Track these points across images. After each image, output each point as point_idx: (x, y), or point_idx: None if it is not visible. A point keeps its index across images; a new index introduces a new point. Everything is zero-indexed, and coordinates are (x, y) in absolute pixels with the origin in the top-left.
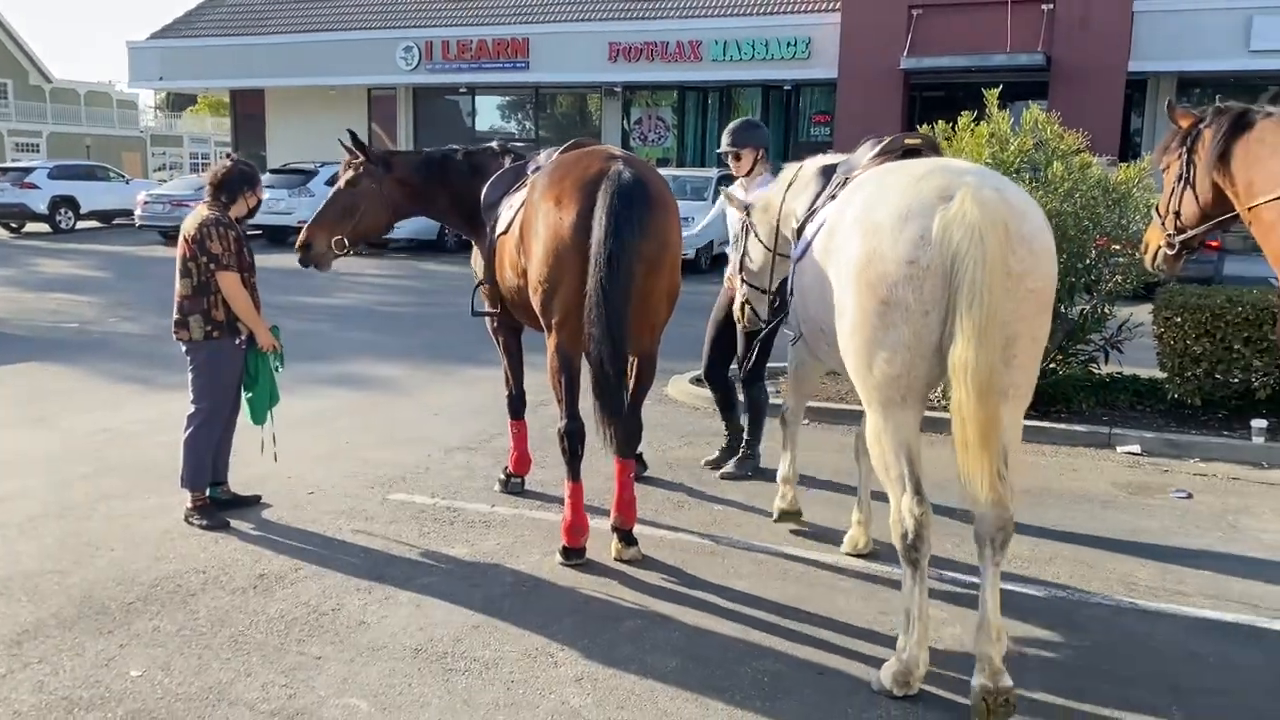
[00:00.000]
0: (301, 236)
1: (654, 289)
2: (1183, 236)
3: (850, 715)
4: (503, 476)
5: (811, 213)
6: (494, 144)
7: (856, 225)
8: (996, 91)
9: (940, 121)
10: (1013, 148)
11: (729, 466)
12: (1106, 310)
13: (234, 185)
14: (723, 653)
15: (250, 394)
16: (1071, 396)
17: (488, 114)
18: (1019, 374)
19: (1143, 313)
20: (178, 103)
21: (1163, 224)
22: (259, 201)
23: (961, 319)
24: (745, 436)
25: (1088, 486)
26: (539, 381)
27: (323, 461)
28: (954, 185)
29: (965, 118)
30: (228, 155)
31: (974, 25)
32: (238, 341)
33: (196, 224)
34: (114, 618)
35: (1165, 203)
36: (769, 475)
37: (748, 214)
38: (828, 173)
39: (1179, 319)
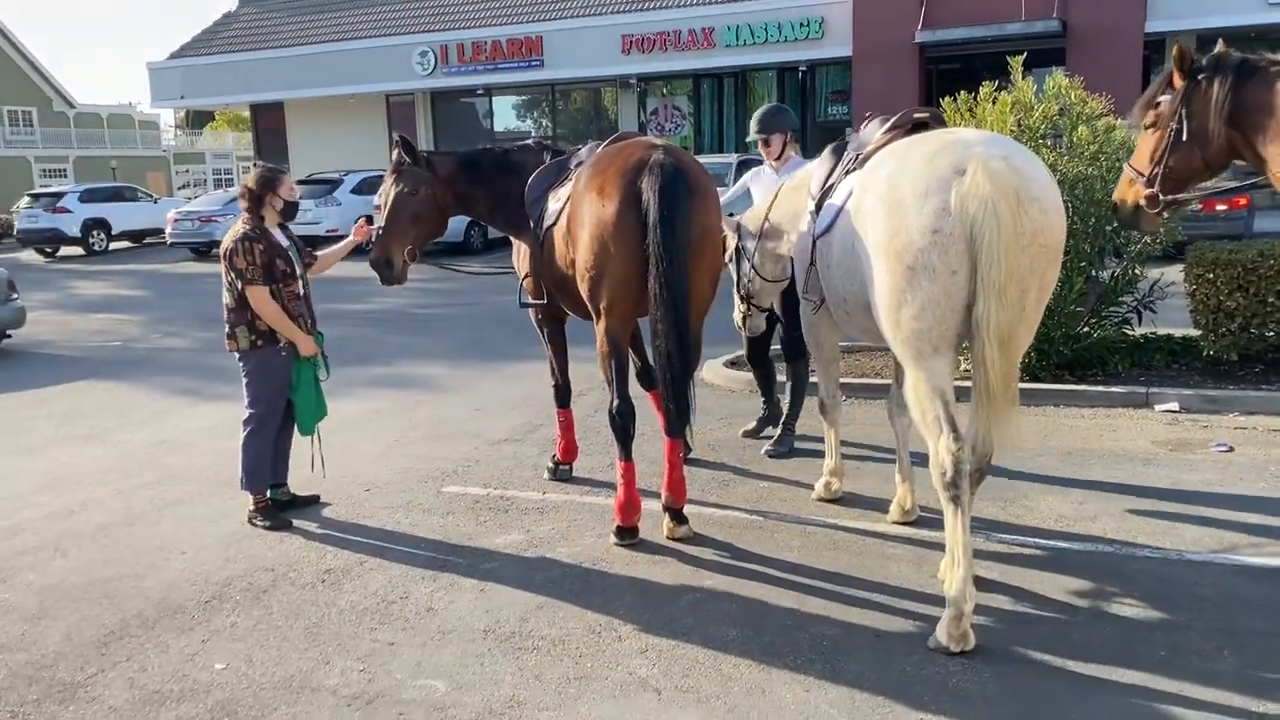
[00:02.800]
0: (377, 253)
1: (699, 273)
2: (1182, 195)
3: (909, 673)
4: (551, 465)
5: (828, 189)
6: (530, 141)
7: (881, 203)
8: (1021, 59)
9: (962, 92)
10: (1037, 114)
11: (770, 445)
12: (1137, 272)
13: (255, 194)
14: (781, 621)
15: (294, 403)
16: (1107, 359)
17: (505, 114)
18: (1024, 325)
19: (1173, 273)
20: (197, 120)
21: (1147, 180)
22: (286, 203)
23: (983, 280)
24: (786, 411)
25: (1128, 445)
26: (581, 372)
27: (376, 459)
28: (965, 159)
29: (988, 87)
30: (255, 163)
31: None
32: (280, 349)
33: (230, 240)
34: (192, 616)
35: (1152, 157)
36: (809, 451)
37: (739, 237)
38: (839, 150)
39: (1211, 275)
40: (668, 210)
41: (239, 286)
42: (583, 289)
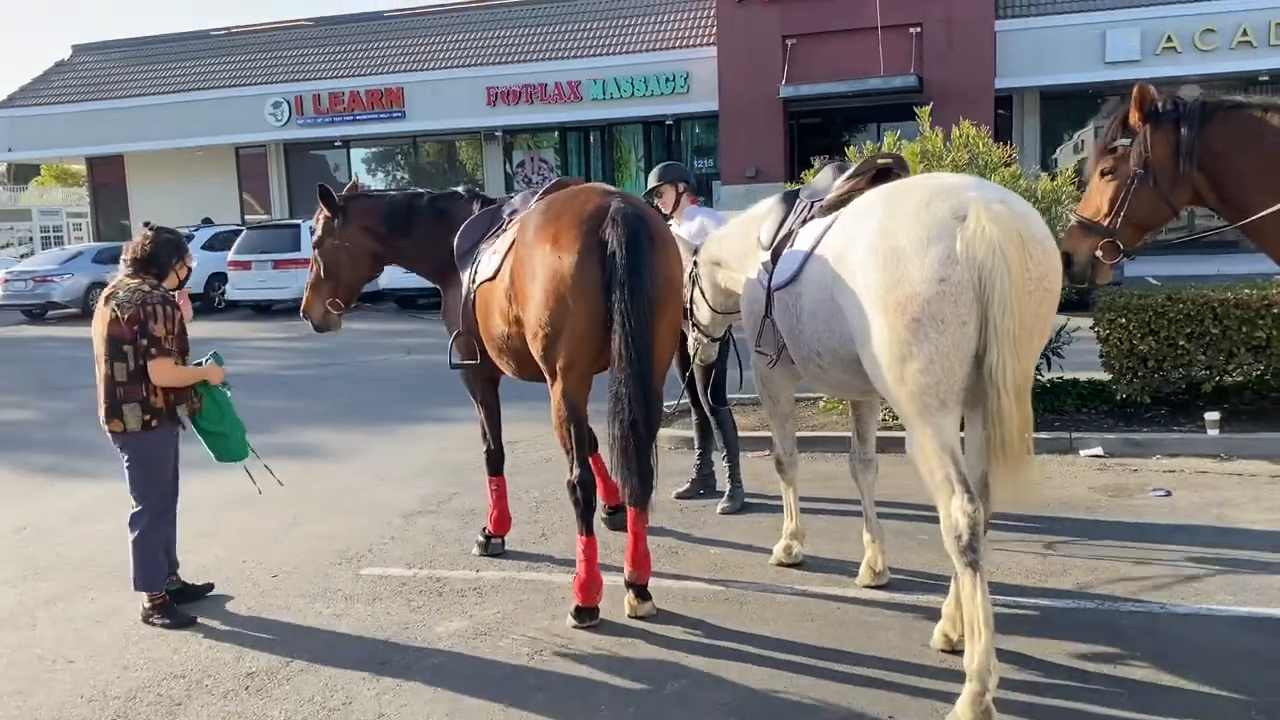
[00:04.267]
0: (303, 306)
1: (662, 328)
2: (1141, 244)
3: None
4: (481, 538)
5: (784, 237)
6: (461, 189)
7: (874, 254)
8: (928, 109)
9: (868, 143)
10: (947, 163)
11: (724, 503)
12: None
13: (163, 257)
14: (782, 708)
15: (225, 433)
16: None
17: (364, 166)
18: (1032, 371)
19: (1075, 320)
20: (20, 175)
21: (1105, 230)
22: (189, 271)
23: (995, 328)
24: (728, 465)
25: (1067, 493)
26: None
27: (278, 539)
28: (963, 204)
29: (891, 136)
30: (145, 224)
31: (847, 51)
32: (177, 429)
33: (137, 302)
34: None
35: (1111, 204)
36: (750, 508)
37: (694, 262)
38: (790, 198)
39: (1123, 320)
40: (634, 262)
41: (144, 357)
42: (535, 348)
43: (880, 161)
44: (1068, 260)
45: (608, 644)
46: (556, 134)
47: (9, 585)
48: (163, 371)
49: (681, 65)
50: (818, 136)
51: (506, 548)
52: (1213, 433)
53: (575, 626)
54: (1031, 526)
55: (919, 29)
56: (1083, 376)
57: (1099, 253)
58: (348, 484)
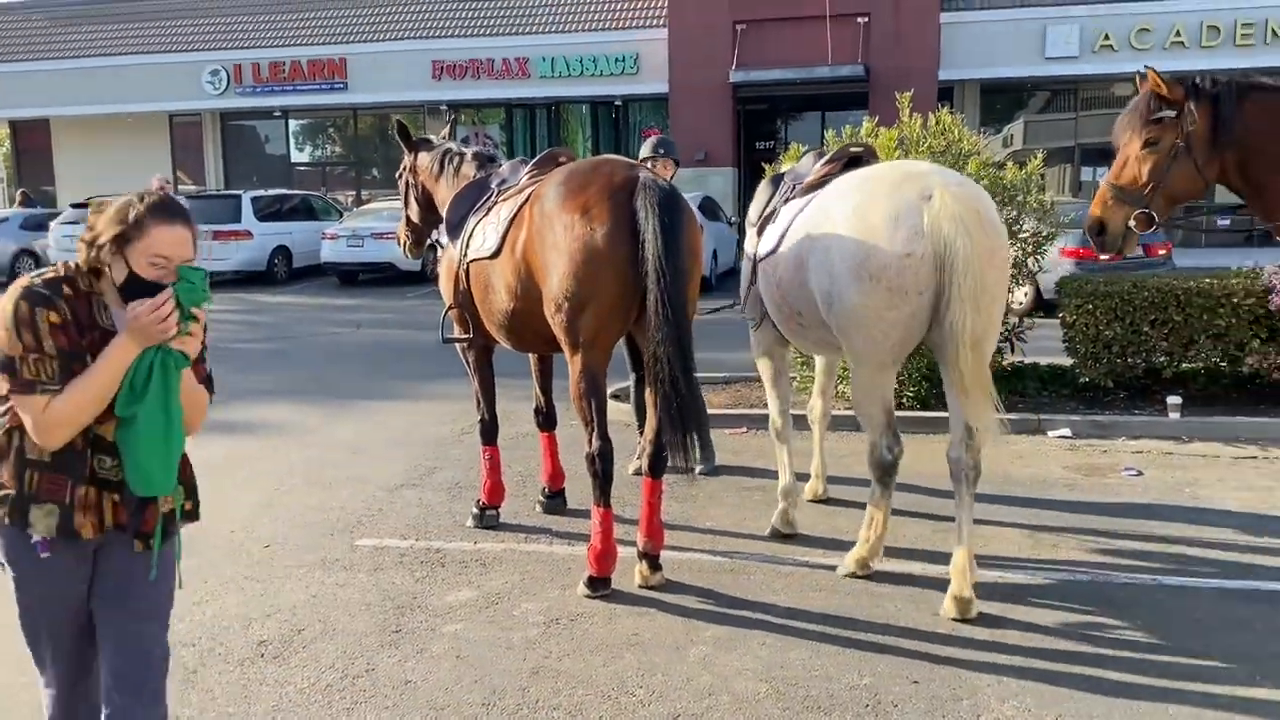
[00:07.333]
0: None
1: (690, 294)
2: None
3: None
4: (476, 510)
5: (771, 214)
6: (469, 150)
7: (851, 229)
8: (909, 95)
9: (847, 127)
10: (923, 149)
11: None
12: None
13: (98, 229)
14: (805, 672)
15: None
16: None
17: (303, 138)
18: (992, 329)
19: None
20: None
21: (1141, 200)
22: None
23: (958, 291)
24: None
25: (1042, 472)
26: (459, 408)
27: (261, 510)
28: (928, 186)
29: (869, 123)
30: (159, 177)
31: (796, 39)
32: (35, 542)
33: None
34: None
35: (1152, 175)
36: (742, 483)
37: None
38: (776, 180)
39: (1090, 306)
40: (669, 229)
41: None
42: (557, 321)
43: (853, 150)
44: (1100, 227)
45: (623, 612)
46: (502, 111)
47: None
48: (35, 419)
49: (631, 46)
50: (764, 123)
51: (501, 521)
52: (1174, 416)
53: (588, 596)
54: (1016, 502)
55: (866, 19)
56: (1043, 361)
57: (1131, 223)
58: (324, 456)
